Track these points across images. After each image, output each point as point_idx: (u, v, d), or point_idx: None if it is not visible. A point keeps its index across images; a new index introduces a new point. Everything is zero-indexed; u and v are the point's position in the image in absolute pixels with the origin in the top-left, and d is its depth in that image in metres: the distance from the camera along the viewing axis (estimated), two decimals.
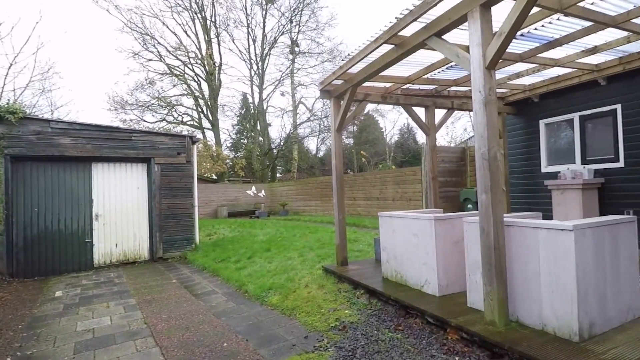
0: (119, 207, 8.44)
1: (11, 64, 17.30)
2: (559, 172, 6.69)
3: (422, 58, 5.09)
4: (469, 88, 6.65)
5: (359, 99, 5.95)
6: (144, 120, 25.53)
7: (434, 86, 6.45)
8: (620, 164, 6.02)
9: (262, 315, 4.30)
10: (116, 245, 8.35)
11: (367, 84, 5.87)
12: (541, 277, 2.92)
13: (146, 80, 24.61)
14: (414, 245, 4.16)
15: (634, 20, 4.10)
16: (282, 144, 28.54)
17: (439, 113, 7.04)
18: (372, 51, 4.40)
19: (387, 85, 6.13)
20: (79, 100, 40.91)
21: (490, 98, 3.10)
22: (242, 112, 33.67)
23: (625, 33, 4.57)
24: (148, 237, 8.73)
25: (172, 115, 26.48)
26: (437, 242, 3.82)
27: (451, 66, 5.46)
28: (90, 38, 46.05)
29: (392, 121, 49.26)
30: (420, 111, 6.68)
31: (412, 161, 32.64)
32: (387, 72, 5.42)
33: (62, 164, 7.85)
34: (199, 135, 26.21)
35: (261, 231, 11.22)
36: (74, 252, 7.85)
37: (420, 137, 41.34)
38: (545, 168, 7.26)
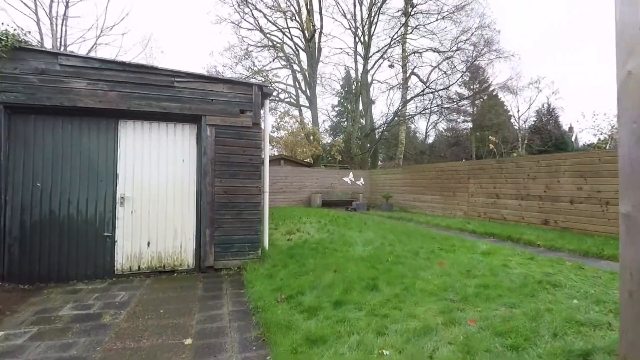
0: (154, 188, 5.71)
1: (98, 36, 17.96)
2: None
3: None
4: None
5: None
6: None
7: None
8: None
9: None
10: (148, 243, 5.64)
11: None
12: None
13: (241, 50, 22.91)
14: None
15: None
16: (386, 124, 24.31)
17: None
18: None
19: None
20: None
21: None
22: (344, 90, 30.45)
23: None
24: (194, 234, 5.87)
25: None
26: None
27: None
28: (190, 12, 48.17)
29: (526, 100, 39.61)
30: None
31: (552, 150, 25.34)
32: None
33: (77, 120, 5.35)
34: (295, 112, 23.77)
35: (359, 235, 7.63)
36: (88, 250, 5.31)
37: (564, 120, 32.43)
38: None
